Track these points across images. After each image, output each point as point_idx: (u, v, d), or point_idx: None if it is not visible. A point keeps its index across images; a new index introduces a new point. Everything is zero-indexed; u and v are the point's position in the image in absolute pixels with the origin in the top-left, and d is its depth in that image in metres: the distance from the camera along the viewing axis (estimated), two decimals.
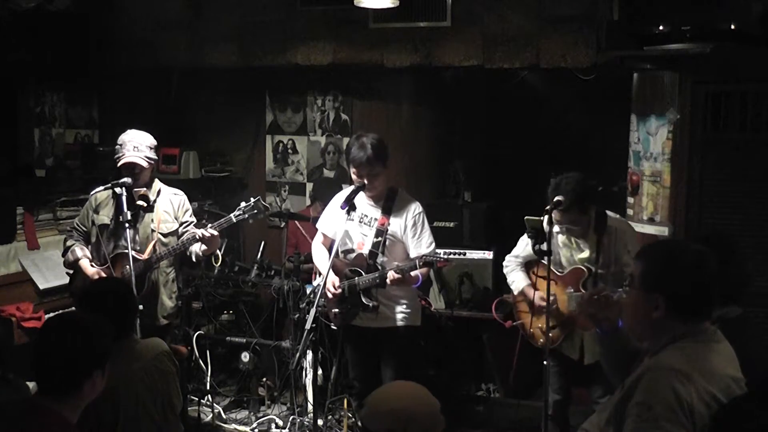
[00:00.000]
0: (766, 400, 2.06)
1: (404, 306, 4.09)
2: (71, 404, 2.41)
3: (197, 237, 4.09)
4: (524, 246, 4.08)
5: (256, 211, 4.09)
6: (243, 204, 4.12)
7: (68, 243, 4.37)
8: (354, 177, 4.04)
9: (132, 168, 4.18)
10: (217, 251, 4.33)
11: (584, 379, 3.95)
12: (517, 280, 4.09)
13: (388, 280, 3.89)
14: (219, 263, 4.50)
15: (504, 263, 4.21)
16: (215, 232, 4.09)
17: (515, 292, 4.11)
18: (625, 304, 2.37)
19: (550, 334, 3.82)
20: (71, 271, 4.36)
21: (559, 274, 3.88)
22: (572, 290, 3.79)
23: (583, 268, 3.81)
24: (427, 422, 2.14)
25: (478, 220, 5.40)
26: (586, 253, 3.84)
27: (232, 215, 4.12)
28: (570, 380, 4.02)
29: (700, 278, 2.21)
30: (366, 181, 3.98)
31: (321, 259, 4.24)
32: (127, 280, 3.87)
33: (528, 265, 4.10)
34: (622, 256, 3.80)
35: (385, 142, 4.07)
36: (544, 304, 3.75)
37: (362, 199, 4.09)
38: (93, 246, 4.30)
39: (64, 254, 4.37)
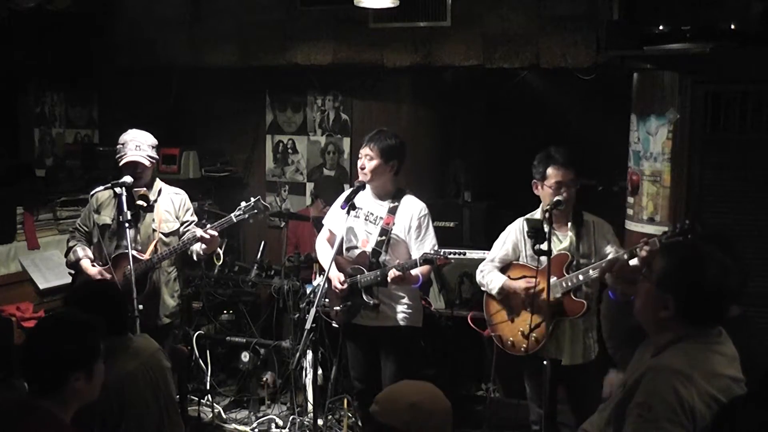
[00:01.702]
0: (766, 401, 2.06)
1: (406, 306, 4.09)
2: (60, 402, 2.41)
3: (197, 237, 4.10)
4: (500, 247, 4.05)
5: (256, 210, 4.11)
6: (243, 204, 4.13)
7: (70, 243, 4.38)
8: (359, 164, 4.07)
9: (134, 167, 4.18)
10: (219, 250, 4.33)
11: (565, 379, 3.89)
12: (495, 278, 4.01)
13: (389, 278, 3.90)
14: (220, 262, 4.51)
15: (479, 269, 4.13)
16: (215, 233, 4.10)
17: (494, 291, 4.00)
18: (638, 293, 2.36)
19: (534, 335, 3.81)
20: (73, 272, 4.36)
21: (536, 268, 3.75)
22: (555, 278, 3.79)
23: (566, 253, 3.83)
24: (441, 420, 2.16)
25: (478, 220, 5.40)
26: (565, 243, 3.87)
27: (232, 215, 4.14)
28: (555, 389, 3.92)
29: (715, 289, 2.21)
30: (360, 164, 4.01)
31: (325, 256, 4.25)
32: (128, 280, 3.87)
33: (503, 270, 4.05)
34: (603, 248, 3.86)
35: (399, 146, 4.08)
36: (528, 290, 3.77)
37: (369, 198, 4.11)
38: (95, 246, 4.30)
39: (66, 255, 4.38)
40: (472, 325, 4.39)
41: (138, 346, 3.10)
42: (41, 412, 2.37)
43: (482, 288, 4.13)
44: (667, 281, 2.24)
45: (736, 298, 2.29)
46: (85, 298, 3.05)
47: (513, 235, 4.01)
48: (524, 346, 3.86)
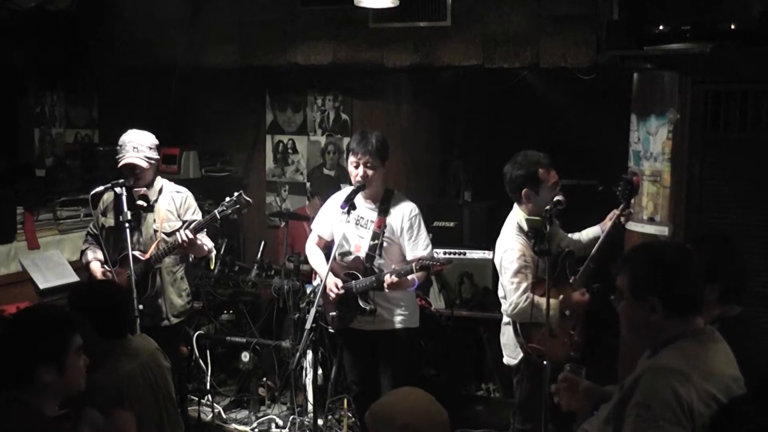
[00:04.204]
0: (765, 400, 2.06)
1: (402, 308, 4.07)
2: (34, 395, 2.42)
3: (177, 242, 4.11)
4: (526, 272, 3.77)
5: (238, 205, 4.07)
6: (227, 199, 4.11)
7: (82, 247, 4.46)
8: (351, 169, 4.02)
9: (132, 169, 4.18)
10: (211, 255, 4.35)
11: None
12: (552, 302, 3.63)
13: (385, 284, 3.87)
14: (213, 266, 4.56)
15: (522, 304, 3.73)
16: (191, 236, 4.08)
17: (558, 313, 3.73)
18: (621, 318, 2.36)
19: (578, 340, 3.78)
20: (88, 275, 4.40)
21: (552, 277, 3.61)
22: (573, 277, 3.79)
23: (572, 249, 3.87)
24: None
25: (478, 220, 5.40)
26: (566, 240, 3.95)
27: (215, 211, 4.11)
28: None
29: (687, 273, 2.25)
30: (361, 173, 3.95)
31: (316, 260, 4.23)
32: (128, 281, 3.88)
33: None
34: (564, 237, 4.02)
35: (387, 142, 4.08)
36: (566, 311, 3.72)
37: (359, 201, 4.06)
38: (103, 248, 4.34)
39: (80, 259, 4.46)
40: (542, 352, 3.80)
41: (137, 347, 3.11)
42: (18, 404, 2.39)
43: (536, 319, 3.71)
44: (643, 285, 2.26)
45: (728, 292, 2.29)
46: (83, 299, 3.06)
47: (528, 254, 3.77)
48: (571, 352, 3.73)
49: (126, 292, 3.74)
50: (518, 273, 3.74)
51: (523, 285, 3.73)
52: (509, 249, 3.79)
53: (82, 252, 4.44)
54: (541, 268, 3.77)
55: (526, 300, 3.71)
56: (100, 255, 4.33)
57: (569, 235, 4.09)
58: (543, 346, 3.73)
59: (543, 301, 3.64)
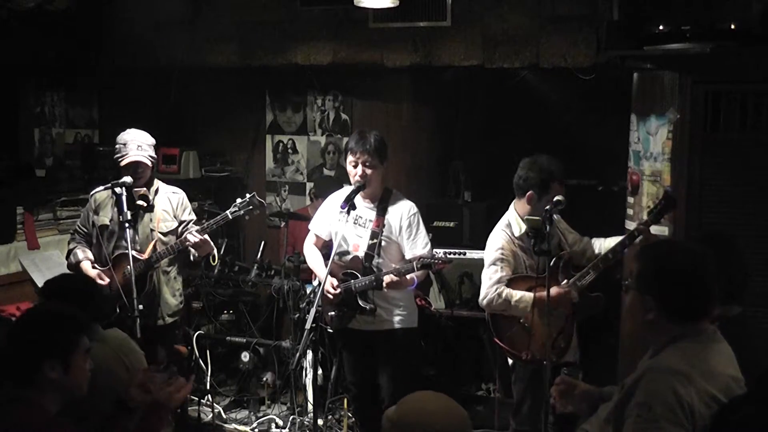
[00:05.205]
0: (765, 401, 2.06)
1: (401, 308, 4.07)
2: (38, 392, 2.42)
3: (186, 243, 4.10)
4: (501, 266, 3.82)
5: (251, 207, 4.08)
6: (239, 200, 4.12)
7: (70, 246, 4.40)
8: (350, 169, 4.01)
9: (136, 167, 4.18)
10: (214, 252, 4.35)
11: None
12: (524, 295, 3.74)
13: (384, 284, 3.86)
14: (215, 263, 4.56)
15: (491, 295, 3.79)
16: (201, 237, 4.09)
17: (529, 308, 3.73)
18: (627, 305, 2.38)
19: (563, 345, 3.76)
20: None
21: (539, 276, 3.62)
22: (566, 280, 3.79)
23: (567, 252, 3.86)
24: None
25: (478, 220, 5.39)
26: (577, 246, 3.94)
27: (227, 212, 4.12)
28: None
29: (690, 280, 2.22)
30: (360, 172, 3.95)
31: (314, 260, 4.22)
32: (128, 280, 3.87)
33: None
34: (567, 237, 3.97)
35: (386, 142, 4.07)
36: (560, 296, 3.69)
37: (358, 201, 4.04)
38: (95, 247, 4.31)
39: (67, 257, 4.39)
40: (506, 348, 3.90)
41: (106, 335, 3.09)
42: (21, 402, 2.39)
43: (505, 311, 3.80)
44: (644, 282, 2.25)
45: (714, 285, 2.26)
46: (55, 289, 3.06)
47: (509, 249, 3.85)
48: (553, 357, 3.62)
49: (125, 290, 3.75)
50: (492, 265, 3.84)
51: (495, 276, 3.80)
52: (491, 242, 3.91)
53: (70, 251, 4.36)
54: (529, 265, 3.83)
55: (495, 291, 3.78)
56: (90, 254, 4.30)
57: (596, 241, 4.00)
58: (510, 345, 3.82)
59: (515, 294, 3.75)
